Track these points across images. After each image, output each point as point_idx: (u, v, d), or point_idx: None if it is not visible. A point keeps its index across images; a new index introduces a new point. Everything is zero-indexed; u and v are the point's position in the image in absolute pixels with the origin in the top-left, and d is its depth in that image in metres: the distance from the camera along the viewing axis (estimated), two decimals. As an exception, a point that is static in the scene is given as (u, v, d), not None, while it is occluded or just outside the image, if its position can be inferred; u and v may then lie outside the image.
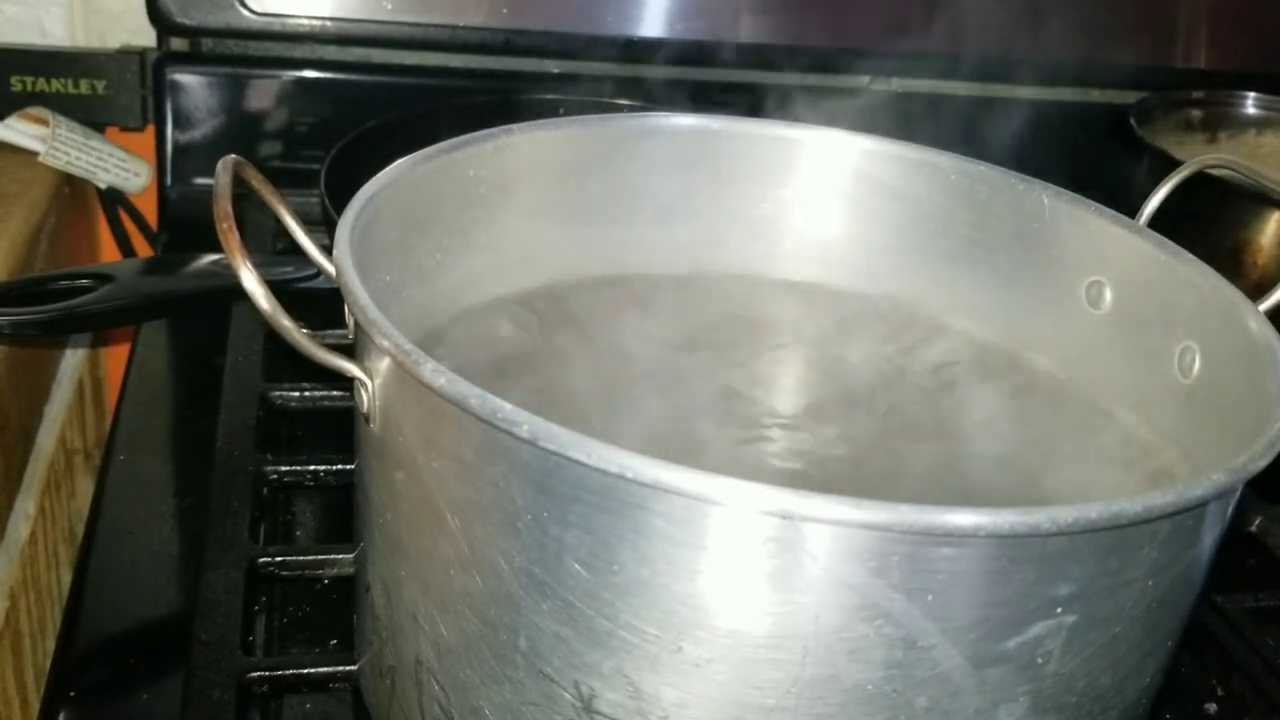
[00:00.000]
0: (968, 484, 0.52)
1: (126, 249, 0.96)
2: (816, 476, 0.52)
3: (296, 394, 0.67)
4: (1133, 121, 0.85)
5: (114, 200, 0.94)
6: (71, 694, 0.52)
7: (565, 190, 0.59)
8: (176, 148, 0.91)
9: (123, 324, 0.80)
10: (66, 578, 0.82)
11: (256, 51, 0.92)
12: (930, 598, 0.36)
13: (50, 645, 0.75)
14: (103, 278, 0.64)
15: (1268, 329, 0.47)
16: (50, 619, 0.78)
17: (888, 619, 0.36)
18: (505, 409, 0.36)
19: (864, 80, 1.02)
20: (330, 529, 0.63)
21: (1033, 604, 0.37)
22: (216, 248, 0.45)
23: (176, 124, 0.91)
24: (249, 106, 0.92)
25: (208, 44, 0.92)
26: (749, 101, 0.95)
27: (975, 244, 0.59)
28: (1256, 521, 0.67)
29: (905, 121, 0.66)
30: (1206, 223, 0.73)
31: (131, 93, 0.91)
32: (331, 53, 0.93)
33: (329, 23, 0.88)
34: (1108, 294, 0.56)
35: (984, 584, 0.36)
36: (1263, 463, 0.39)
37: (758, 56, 0.94)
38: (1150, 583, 0.39)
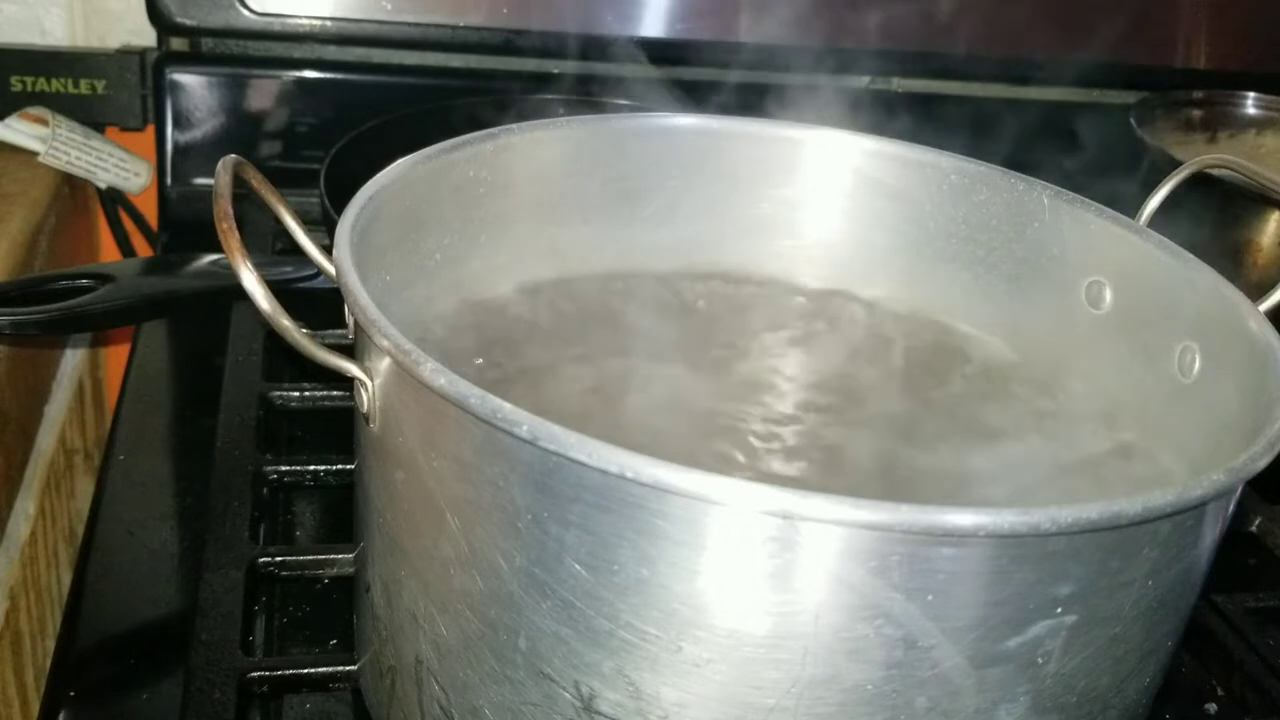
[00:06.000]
0: (967, 484, 0.52)
1: (126, 249, 0.96)
2: (816, 476, 0.52)
3: (296, 394, 0.68)
4: (1133, 121, 0.85)
5: (114, 200, 0.94)
6: (71, 694, 0.52)
7: (565, 190, 0.59)
8: (176, 148, 0.91)
9: (123, 324, 0.80)
10: (66, 578, 0.82)
11: (256, 51, 0.92)
12: (930, 598, 0.36)
13: (50, 645, 0.75)
14: (103, 278, 0.64)
15: (1268, 329, 0.47)
16: (50, 619, 0.78)
17: (888, 619, 0.36)
18: (505, 409, 0.36)
19: (864, 80, 1.02)
20: (330, 529, 0.63)
21: (1033, 604, 0.37)
22: (216, 248, 0.45)
23: (176, 124, 0.91)
24: (249, 106, 0.92)
25: (208, 44, 0.92)
26: (749, 101, 0.95)
27: (975, 244, 0.59)
28: (1256, 521, 0.67)
29: (905, 121, 0.66)
30: (1206, 223, 0.73)
31: (131, 93, 0.92)
32: (331, 53, 0.93)
33: (329, 23, 0.88)
34: (1108, 294, 0.56)
35: (984, 584, 0.36)
36: (1263, 463, 0.39)
37: (758, 56, 0.94)
38: (1150, 583, 0.39)
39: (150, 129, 0.92)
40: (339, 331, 0.47)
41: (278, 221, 0.50)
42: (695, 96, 0.92)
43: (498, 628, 0.40)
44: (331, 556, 0.57)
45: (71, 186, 0.90)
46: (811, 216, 0.62)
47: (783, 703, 0.37)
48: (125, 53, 0.92)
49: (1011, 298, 0.59)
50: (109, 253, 0.97)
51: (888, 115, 0.67)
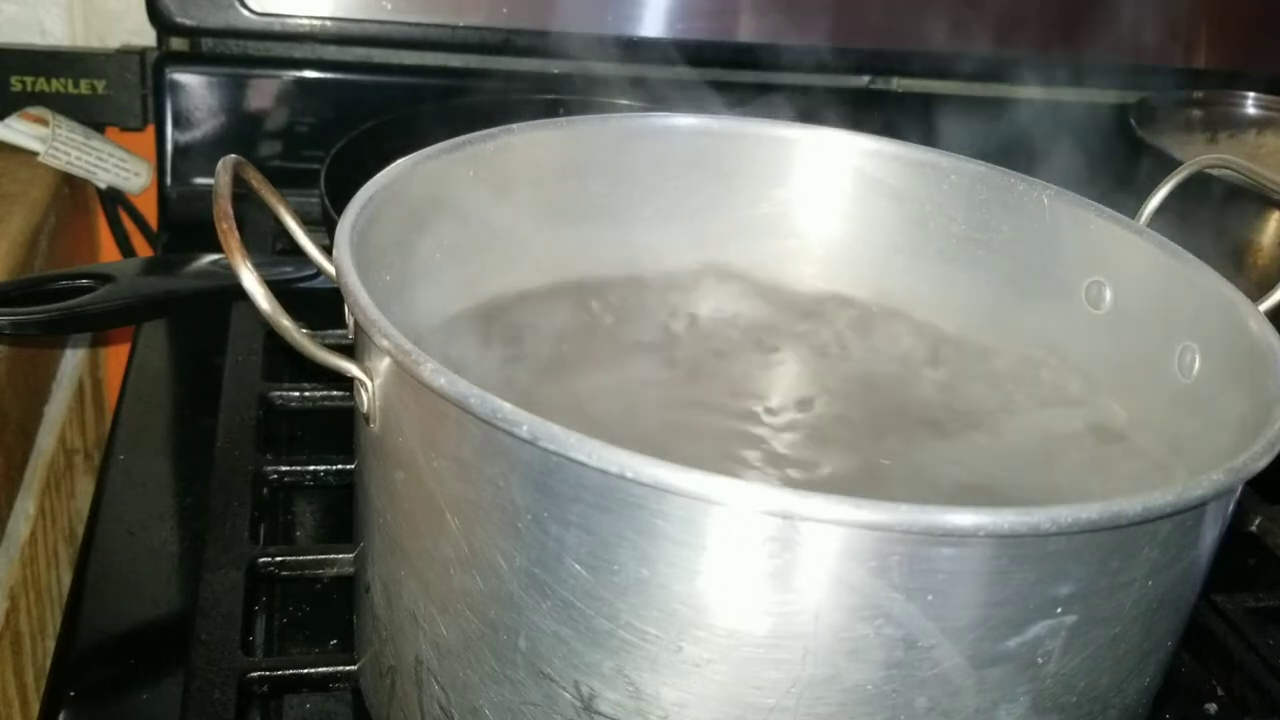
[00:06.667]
0: (967, 484, 0.52)
1: (126, 249, 0.96)
2: (816, 476, 0.52)
3: (296, 394, 0.68)
4: (1133, 121, 0.85)
5: (114, 200, 0.94)
6: (71, 694, 0.52)
7: (565, 190, 0.59)
8: (176, 148, 0.91)
9: (123, 324, 0.80)
10: (66, 578, 0.82)
11: (256, 51, 0.92)
12: (930, 598, 0.36)
13: (50, 645, 0.75)
14: (103, 278, 0.64)
15: (1268, 329, 0.47)
16: (50, 619, 0.78)
17: (888, 619, 0.36)
18: (505, 409, 0.36)
19: (864, 80, 1.02)
20: (330, 529, 0.63)
21: (1033, 604, 0.37)
22: (216, 248, 0.45)
23: (176, 124, 0.91)
24: (249, 106, 0.92)
25: (208, 44, 0.92)
26: (749, 101, 0.95)
27: (975, 244, 0.59)
28: (1256, 521, 0.67)
29: (905, 121, 0.66)
30: (1206, 223, 0.73)
31: (131, 93, 0.92)
32: (331, 53, 0.93)
33: (329, 23, 0.88)
34: (1108, 294, 0.56)
35: (984, 584, 0.36)
36: (1263, 463, 0.39)
37: (758, 56, 0.94)
38: (1150, 583, 0.39)
39: (150, 129, 0.92)
40: (339, 331, 0.47)
41: (278, 221, 0.50)
42: (696, 97, 0.92)
43: (498, 628, 0.40)
44: (331, 556, 0.57)
45: (71, 186, 0.90)
46: (811, 216, 0.62)
47: (783, 703, 0.37)
48: (125, 53, 0.92)
49: (1011, 298, 0.59)
50: (109, 253, 0.97)
51: (887, 115, 0.67)
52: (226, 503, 0.59)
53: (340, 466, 0.62)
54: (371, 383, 0.42)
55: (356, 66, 0.94)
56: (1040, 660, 0.38)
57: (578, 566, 0.37)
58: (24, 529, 0.73)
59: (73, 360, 0.87)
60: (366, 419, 0.43)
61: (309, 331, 0.43)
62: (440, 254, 0.54)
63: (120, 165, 0.91)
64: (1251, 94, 0.93)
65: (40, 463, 0.77)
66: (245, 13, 0.86)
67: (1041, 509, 0.35)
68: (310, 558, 0.57)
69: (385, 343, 0.39)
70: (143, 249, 0.96)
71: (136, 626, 0.56)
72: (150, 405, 0.71)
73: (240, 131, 0.92)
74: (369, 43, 0.92)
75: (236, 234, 0.42)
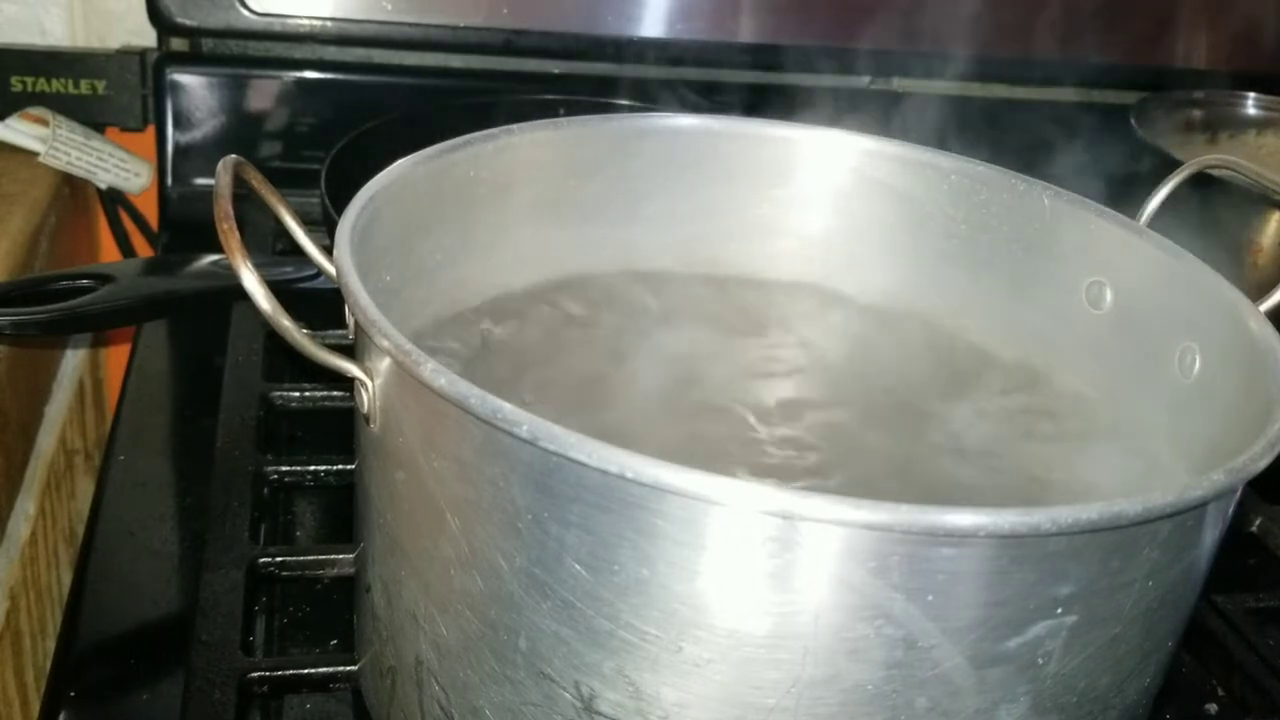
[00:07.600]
0: (967, 484, 0.52)
1: (126, 249, 0.96)
2: (816, 476, 0.52)
3: (296, 394, 0.68)
4: (1133, 121, 0.85)
5: (114, 200, 0.94)
6: (71, 694, 0.52)
7: (565, 190, 0.59)
8: (176, 148, 0.91)
9: (123, 324, 0.80)
10: (66, 578, 0.82)
11: (256, 51, 0.92)
12: (930, 598, 0.36)
13: (50, 645, 0.75)
14: (103, 278, 0.64)
15: (1268, 329, 0.47)
16: (50, 619, 0.78)
17: (888, 619, 0.36)
18: (505, 409, 0.36)
19: (864, 80, 1.02)
20: (330, 529, 0.63)
21: (1033, 604, 0.37)
22: (216, 248, 0.45)
23: (176, 124, 0.91)
24: (249, 106, 0.92)
25: (208, 44, 0.92)
26: (749, 101, 0.95)
27: (975, 244, 0.59)
28: (1256, 521, 0.67)
29: (906, 122, 0.66)
30: (1206, 223, 0.73)
31: (131, 93, 0.92)
32: (331, 53, 0.93)
33: (329, 23, 0.88)
34: (1108, 294, 0.56)
35: (984, 584, 0.36)
36: (1263, 463, 0.39)
37: (758, 56, 0.94)
38: (1150, 583, 0.39)
39: (150, 129, 0.92)
40: (339, 332, 0.47)
41: (278, 222, 0.50)
42: (696, 96, 0.92)
43: (498, 628, 0.40)
44: (331, 556, 0.57)
45: (72, 187, 0.90)
46: (811, 217, 0.62)
47: (783, 703, 0.37)
48: (125, 53, 0.92)
49: (1011, 298, 0.59)
50: (109, 253, 0.97)
51: (887, 115, 0.67)
52: (226, 503, 0.59)
53: (340, 466, 0.62)
54: (371, 383, 0.42)
55: (356, 67, 0.94)
56: (1040, 660, 0.38)
57: (578, 566, 0.37)
58: (24, 529, 0.73)
59: (73, 360, 0.87)
60: (366, 419, 0.43)
61: (309, 331, 0.43)
62: (440, 254, 0.54)
63: (120, 165, 0.91)
64: (1251, 94, 0.93)
65: (40, 463, 0.77)
66: (245, 13, 0.86)
67: (1041, 509, 0.35)
68: (310, 558, 0.57)
69: (385, 343, 0.39)
70: (143, 249, 0.96)
71: (136, 626, 0.56)
72: (150, 405, 0.71)
73: (240, 132, 0.92)
74: (369, 43, 0.92)
75: (237, 234, 0.42)
